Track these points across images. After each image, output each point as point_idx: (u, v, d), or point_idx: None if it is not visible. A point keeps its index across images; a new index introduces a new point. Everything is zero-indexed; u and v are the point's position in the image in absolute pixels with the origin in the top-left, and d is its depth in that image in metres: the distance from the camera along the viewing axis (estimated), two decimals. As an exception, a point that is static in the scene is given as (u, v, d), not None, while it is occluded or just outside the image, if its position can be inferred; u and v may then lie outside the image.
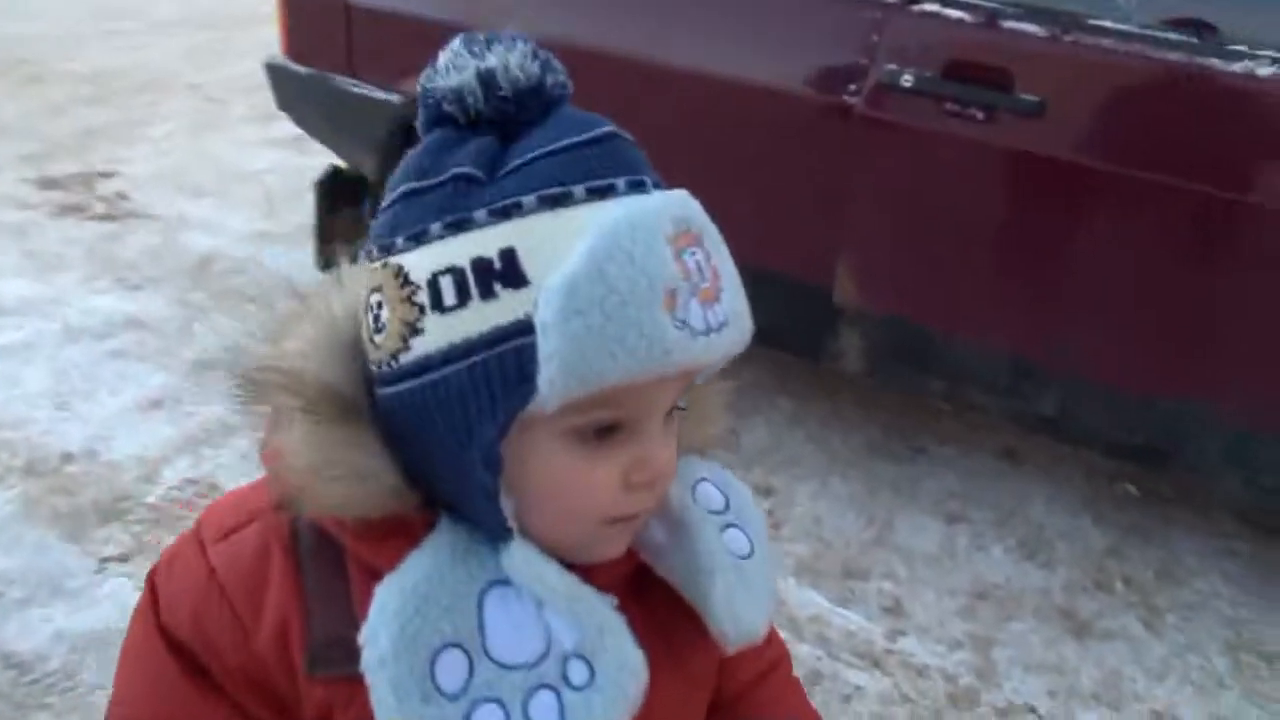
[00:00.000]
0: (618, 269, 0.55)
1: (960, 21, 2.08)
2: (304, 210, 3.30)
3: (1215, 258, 1.96)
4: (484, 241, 0.57)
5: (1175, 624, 2.22)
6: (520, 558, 0.61)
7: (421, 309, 0.58)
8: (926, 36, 2.09)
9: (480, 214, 0.57)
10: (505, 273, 0.56)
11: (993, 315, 2.21)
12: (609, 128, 0.60)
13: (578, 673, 0.61)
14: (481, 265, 0.56)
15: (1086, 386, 2.15)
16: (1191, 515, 2.56)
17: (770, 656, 0.86)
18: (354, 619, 0.61)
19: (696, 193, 0.61)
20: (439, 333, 0.58)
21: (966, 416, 2.82)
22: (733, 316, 0.59)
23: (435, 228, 0.58)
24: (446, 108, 0.60)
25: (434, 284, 0.57)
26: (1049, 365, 2.17)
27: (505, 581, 0.62)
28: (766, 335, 1.99)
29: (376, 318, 0.61)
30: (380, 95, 2.78)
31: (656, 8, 2.44)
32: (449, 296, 0.57)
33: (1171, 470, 2.36)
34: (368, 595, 0.60)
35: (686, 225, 0.58)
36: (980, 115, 2.03)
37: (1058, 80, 1.98)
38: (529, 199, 0.57)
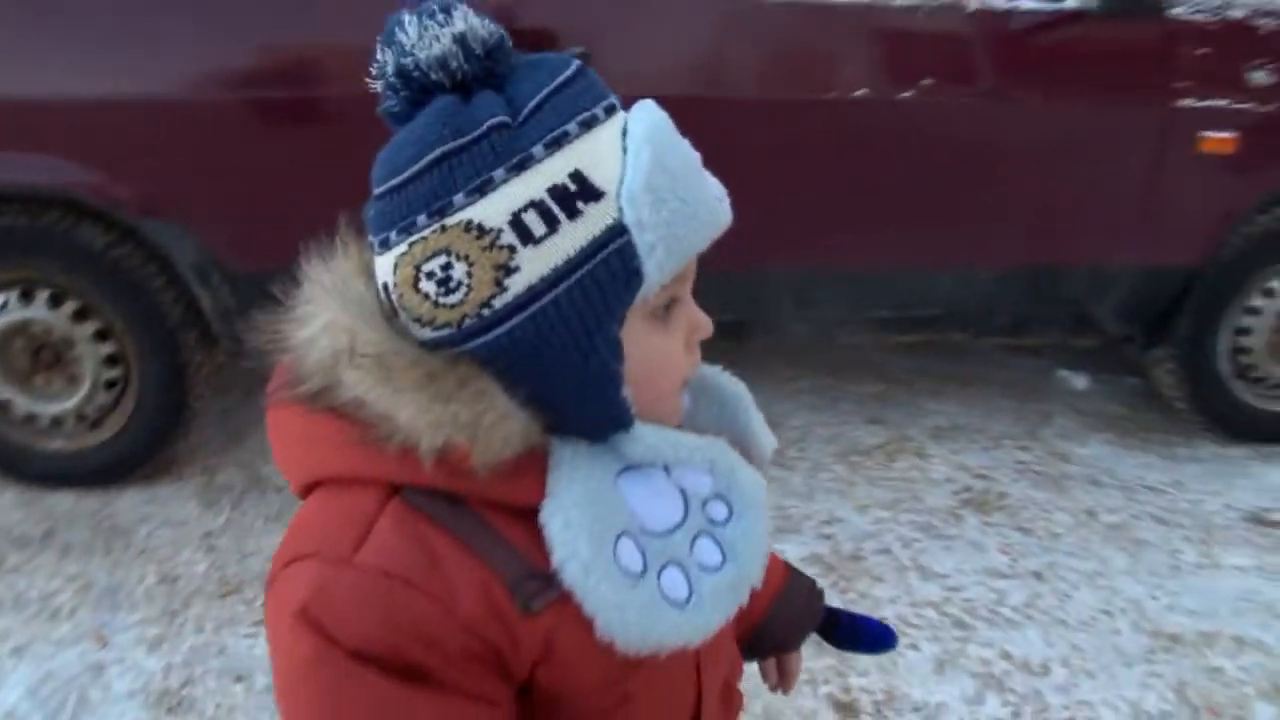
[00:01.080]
0: (673, 160, 0.64)
1: None
2: None
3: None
4: (551, 172, 0.62)
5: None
6: (652, 433, 0.68)
7: (511, 249, 0.62)
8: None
9: (537, 149, 0.62)
10: (582, 191, 0.62)
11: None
12: (576, 61, 0.66)
13: (718, 511, 0.70)
14: (558, 191, 0.62)
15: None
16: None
17: None
18: (519, 555, 0.64)
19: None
20: (538, 262, 0.62)
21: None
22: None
23: (499, 173, 0.62)
24: (434, 76, 0.63)
25: (517, 222, 0.62)
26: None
27: (627, 468, 0.68)
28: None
29: (445, 280, 0.63)
30: None
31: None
32: (537, 228, 0.62)
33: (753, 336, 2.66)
34: (517, 531, 0.65)
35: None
36: None
37: (595, 29, 2.19)
38: (570, 126, 0.63)
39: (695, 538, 0.68)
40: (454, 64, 0.63)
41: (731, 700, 0.90)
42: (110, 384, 2.48)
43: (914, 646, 2.07)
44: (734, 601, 0.67)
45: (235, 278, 2.36)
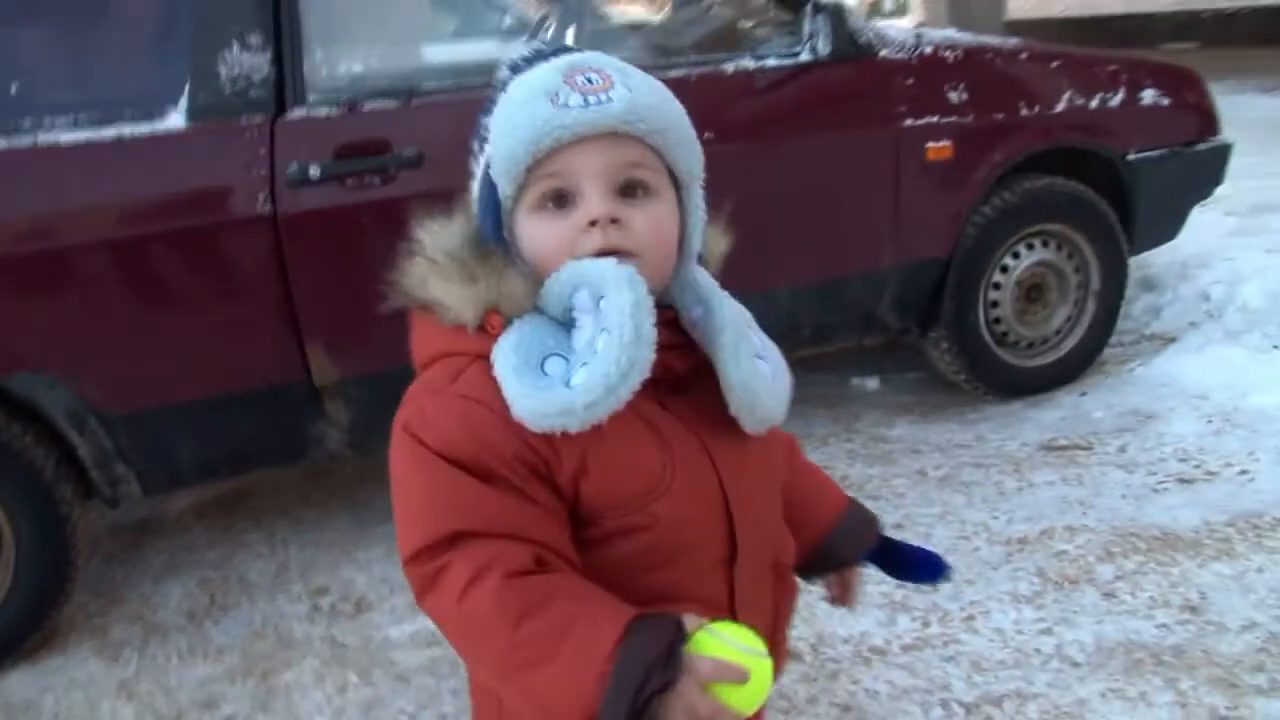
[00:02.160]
0: (516, 90, 0.92)
1: (335, 115, 2.43)
2: None
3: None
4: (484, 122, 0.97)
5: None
6: (550, 283, 0.91)
7: (472, 173, 0.98)
8: (312, 133, 2.40)
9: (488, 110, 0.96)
10: (480, 137, 0.96)
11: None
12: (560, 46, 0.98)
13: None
14: (479, 137, 0.97)
15: None
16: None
17: (789, 440, 1.16)
18: None
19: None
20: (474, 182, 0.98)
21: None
22: (623, 95, 0.90)
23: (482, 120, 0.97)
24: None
25: (477, 153, 0.98)
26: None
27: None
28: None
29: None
30: None
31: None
32: (478, 162, 0.97)
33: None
34: None
35: (584, 64, 0.92)
36: (378, 179, 2.41)
37: (423, 133, 2.43)
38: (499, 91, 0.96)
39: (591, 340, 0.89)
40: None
41: (785, 578, 1.08)
42: (-21, 559, 2.39)
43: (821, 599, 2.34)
44: (614, 354, 0.86)
45: (111, 420, 2.39)
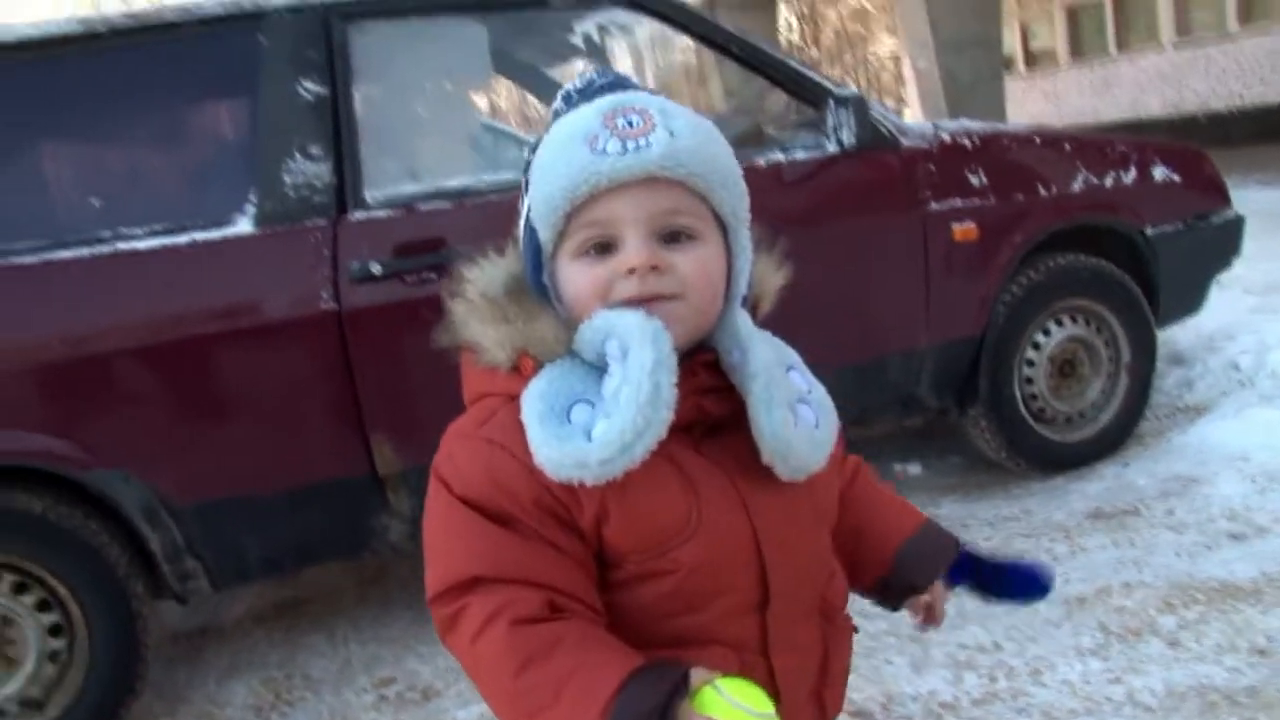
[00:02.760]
0: (557, 131, 0.93)
1: (393, 216, 2.57)
2: None
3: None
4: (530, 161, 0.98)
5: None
6: (584, 329, 0.92)
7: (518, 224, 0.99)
8: (372, 234, 2.54)
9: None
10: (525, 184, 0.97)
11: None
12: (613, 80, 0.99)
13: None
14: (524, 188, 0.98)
15: None
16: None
17: (855, 466, 1.16)
18: None
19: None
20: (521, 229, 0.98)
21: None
22: (662, 139, 0.89)
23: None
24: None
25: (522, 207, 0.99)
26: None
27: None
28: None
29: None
30: None
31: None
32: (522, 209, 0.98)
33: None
34: None
35: (627, 104, 0.92)
36: (436, 274, 2.48)
37: (473, 231, 2.42)
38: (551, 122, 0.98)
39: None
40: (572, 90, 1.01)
41: (833, 619, 1.05)
42: (53, 656, 2.43)
43: (889, 661, 2.35)
44: (630, 414, 0.86)
45: (182, 513, 2.46)
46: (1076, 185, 3.23)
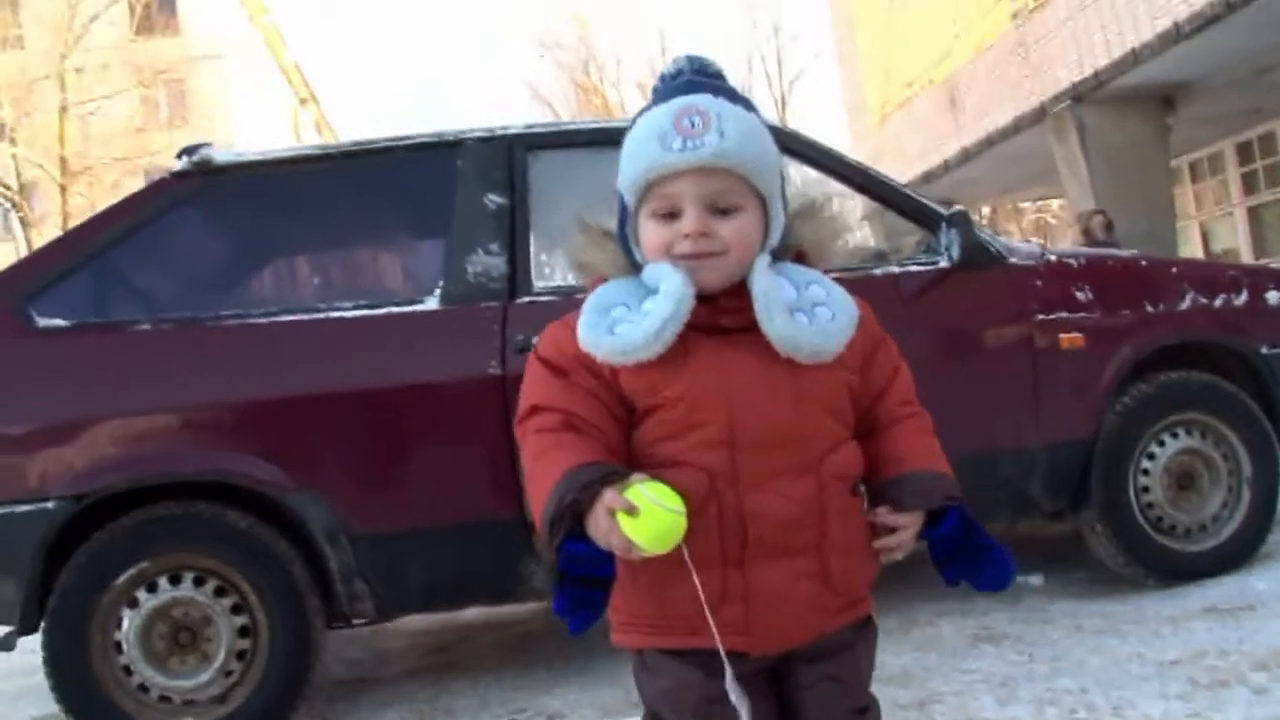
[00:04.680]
0: (639, 126, 1.34)
1: (555, 301, 2.97)
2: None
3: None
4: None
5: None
6: (649, 269, 1.34)
7: None
8: (536, 314, 2.92)
9: None
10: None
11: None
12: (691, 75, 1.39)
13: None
14: None
15: None
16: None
17: (911, 411, 1.45)
18: None
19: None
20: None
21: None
22: (713, 141, 1.28)
23: None
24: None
25: None
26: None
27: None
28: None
29: None
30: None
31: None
32: None
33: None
34: None
35: (692, 106, 1.30)
36: None
37: None
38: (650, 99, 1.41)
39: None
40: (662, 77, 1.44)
41: (831, 485, 1.32)
42: (240, 655, 2.85)
43: (975, 698, 2.48)
44: (637, 337, 1.27)
45: (358, 539, 2.89)
46: (1185, 304, 3.43)
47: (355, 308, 3.03)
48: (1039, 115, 12.36)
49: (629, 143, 1.36)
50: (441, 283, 3.06)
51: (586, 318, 1.33)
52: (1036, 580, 3.66)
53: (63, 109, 21.59)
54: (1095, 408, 3.32)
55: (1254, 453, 3.42)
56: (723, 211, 1.31)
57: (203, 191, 3.13)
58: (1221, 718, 2.21)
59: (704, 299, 1.31)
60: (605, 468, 1.26)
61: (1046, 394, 3.29)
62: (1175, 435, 3.41)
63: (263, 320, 3.00)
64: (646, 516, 1.22)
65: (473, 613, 4.33)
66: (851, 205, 3.81)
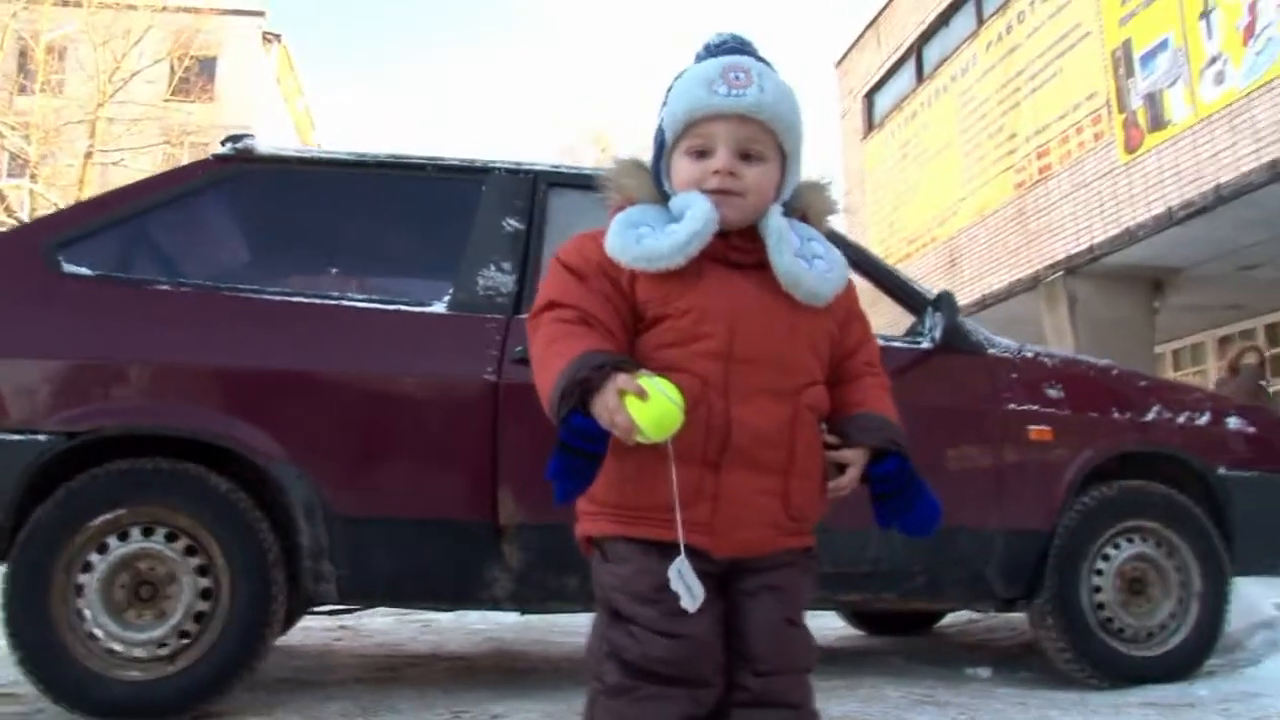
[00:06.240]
0: (690, 72, 1.55)
1: None
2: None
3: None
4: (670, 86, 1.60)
5: None
6: (675, 199, 1.53)
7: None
8: None
9: None
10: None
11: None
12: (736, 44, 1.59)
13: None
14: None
15: None
16: None
17: (874, 371, 1.64)
18: None
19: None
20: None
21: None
22: (754, 93, 1.48)
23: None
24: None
25: None
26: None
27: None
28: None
29: None
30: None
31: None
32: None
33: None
34: None
35: (739, 64, 1.50)
36: None
37: None
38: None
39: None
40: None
41: (803, 414, 1.49)
42: (198, 617, 2.87)
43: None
44: (664, 245, 1.46)
45: (334, 519, 2.96)
46: (1150, 415, 3.59)
47: (367, 300, 3.16)
48: (1033, 283, 12.76)
49: (677, 85, 1.54)
50: (452, 290, 3.21)
51: (615, 229, 1.49)
52: (985, 672, 3.71)
53: (88, 155, 22.08)
54: (1055, 502, 3.44)
55: (1204, 567, 3.52)
56: (748, 158, 1.49)
57: (240, 176, 3.30)
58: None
59: (719, 235, 1.48)
60: (619, 356, 1.40)
61: (1010, 481, 3.41)
62: (1130, 540, 3.52)
63: (276, 298, 3.13)
64: (652, 403, 1.35)
65: (421, 642, 4.35)
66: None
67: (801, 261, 1.51)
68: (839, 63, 18.41)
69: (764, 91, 1.48)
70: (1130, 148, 10.89)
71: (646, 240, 1.46)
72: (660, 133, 1.56)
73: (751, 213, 1.50)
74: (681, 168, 1.52)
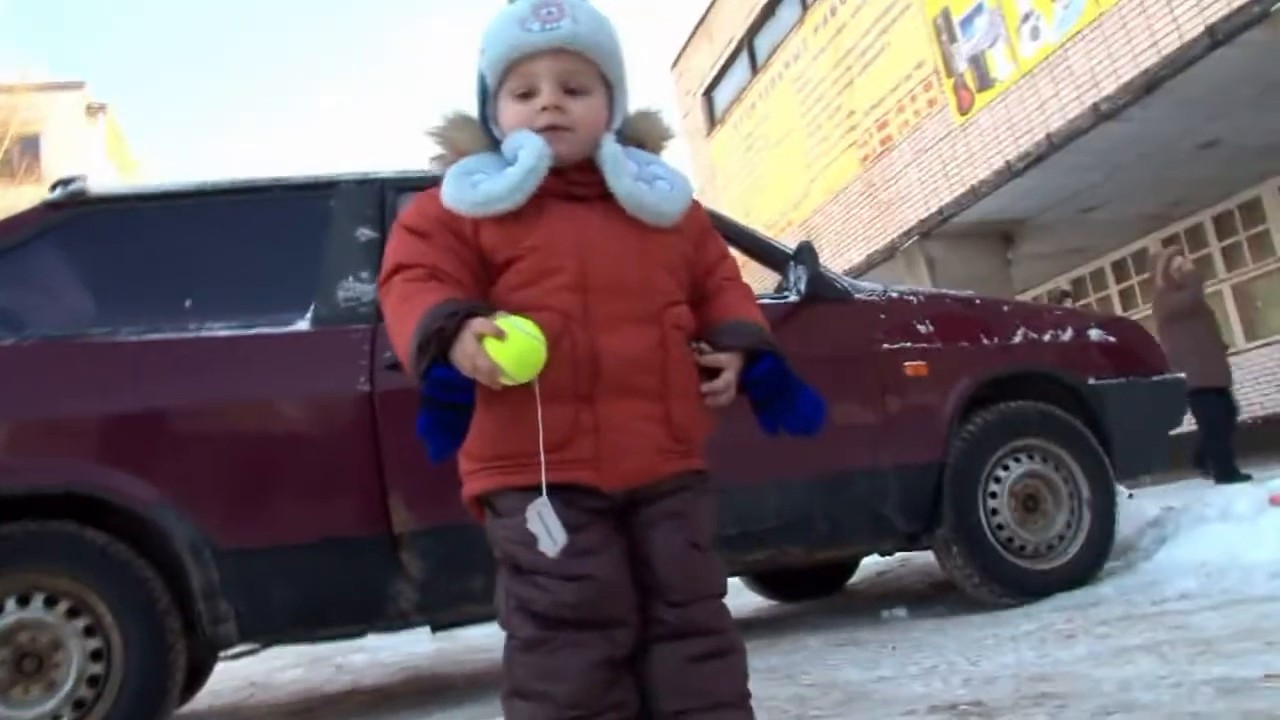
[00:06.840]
0: (502, 13, 1.49)
1: None
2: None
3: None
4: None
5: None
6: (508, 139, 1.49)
7: None
8: None
9: None
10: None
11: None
12: None
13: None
14: None
15: None
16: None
17: (736, 282, 1.61)
18: None
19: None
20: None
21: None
22: (568, 25, 1.44)
23: None
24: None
25: None
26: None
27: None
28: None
29: None
30: None
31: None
32: None
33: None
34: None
35: (548, 2, 1.46)
36: None
37: None
38: None
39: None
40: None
41: (671, 335, 1.47)
42: (92, 680, 2.71)
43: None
44: (501, 186, 1.43)
45: (222, 554, 2.83)
46: (1017, 338, 3.72)
47: (225, 328, 3.05)
48: (890, 252, 13.15)
49: (489, 29, 1.50)
50: (314, 306, 3.12)
51: (450, 180, 1.45)
52: (901, 612, 3.78)
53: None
54: (941, 432, 3.53)
55: (1090, 475, 3.66)
56: (572, 92, 1.47)
57: (76, 220, 3.14)
58: (1069, 655, 2.33)
59: (557, 172, 1.46)
60: (472, 302, 1.37)
61: (895, 418, 3.49)
62: (1019, 460, 3.63)
63: (130, 338, 2.98)
64: (512, 341, 1.33)
65: (336, 683, 4.21)
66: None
67: (642, 184, 1.50)
68: (674, 65, 18.70)
69: (578, 22, 1.46)
70: (963, 109, 11.33)
71: (483, 185, 1.43)
72: (482, 79, 1.52)
73: (584, 145, 1.48)
74: (509, 111, 1.49)
